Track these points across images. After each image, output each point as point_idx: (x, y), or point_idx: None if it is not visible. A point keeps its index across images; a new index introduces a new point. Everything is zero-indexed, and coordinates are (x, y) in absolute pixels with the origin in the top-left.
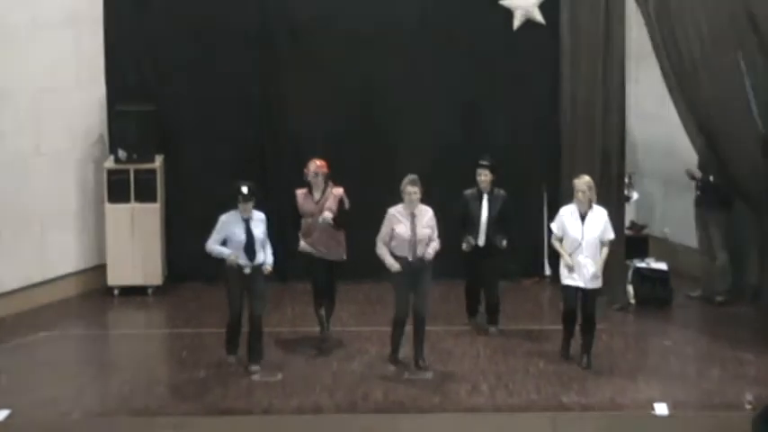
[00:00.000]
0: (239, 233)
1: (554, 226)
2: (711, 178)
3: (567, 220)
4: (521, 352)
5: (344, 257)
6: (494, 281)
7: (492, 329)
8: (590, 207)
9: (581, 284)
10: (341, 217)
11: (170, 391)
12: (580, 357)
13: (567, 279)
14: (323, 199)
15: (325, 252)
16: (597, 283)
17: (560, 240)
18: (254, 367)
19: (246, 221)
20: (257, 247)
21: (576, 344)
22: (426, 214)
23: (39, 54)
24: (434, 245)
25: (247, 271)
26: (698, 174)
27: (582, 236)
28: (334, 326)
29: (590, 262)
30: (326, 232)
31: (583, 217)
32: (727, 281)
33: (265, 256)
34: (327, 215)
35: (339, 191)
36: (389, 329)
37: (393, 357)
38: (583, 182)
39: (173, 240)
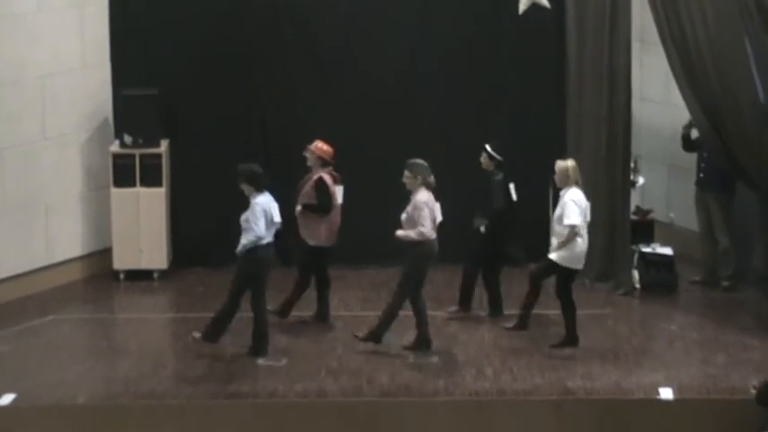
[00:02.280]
0: None
1: None
2: (705, 154)
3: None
4: (525, 336)
5: (319, 244)
6: (476, 263)
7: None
8: (566, 188)
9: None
10: (317, 204)
11: (175, 375)
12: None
13: None
14: (303, 183)
15: (305, 237)
16: (552, 255)
17: None
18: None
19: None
20: (242, 230)
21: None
22: (412, 201)
23: (44, 38)
24: (408, 231)
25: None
26: (694, 134)
27: (551, 214)
28: (337, 310)
29: (553, 239)
30: (303, 218)
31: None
32: (730, 265)
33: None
34: (297, 208)
35: (316, 176)
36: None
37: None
38: (557, 164)
39: (178, 225)
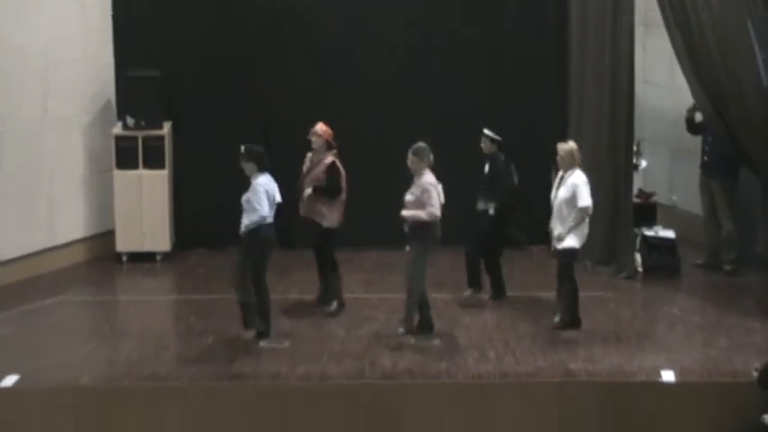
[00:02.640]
0: None
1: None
2: (709, 138)
3: (554, 185)
4: (528, 319)
5: (334, 224)
6: (480, 247)
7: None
8: (571, 171)
9: (552, 247)
10: (328, 187)
11: (178, 357)
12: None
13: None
14: (313, 165)
15: (315, 218)
16: (563, 244)
17: None
18: (248, 332)
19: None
20: (243, 210)
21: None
22: (419, 183)
23: (47, 20)
24: (417, 211)
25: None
26: (698, 117)
27: (553, 198)
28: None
29: (556, 225)
30: (314, 199)
31: (561, 181)
32: (733, 249)
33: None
34: (307, 190)
35: (329, 160)
36: (398, 297)
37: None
38: (560, 147)
39: (181, 207)
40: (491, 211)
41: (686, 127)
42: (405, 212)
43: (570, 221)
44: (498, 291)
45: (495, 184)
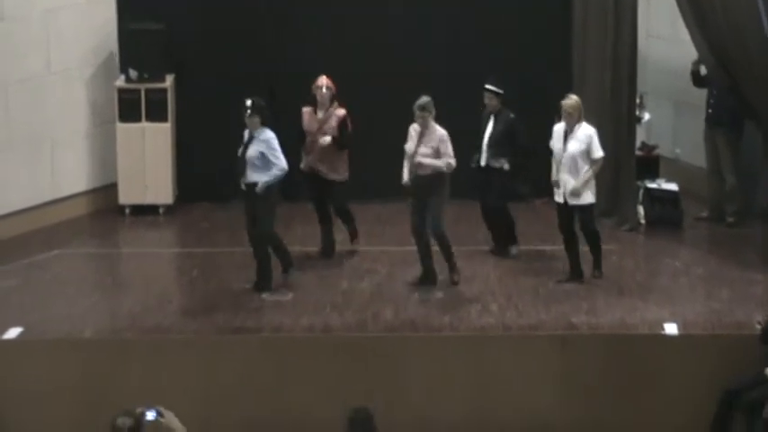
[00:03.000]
0: (240, 149)
1: (550, 143)
2: (714, 92)
3: (554, 136)
4: (531, 272)
5: (346, 178)
6: (495, 203)
7: (513, 250)
8: (578, 124)
9: (561, 200)
10: (343, 138)
11: (180, 310)
12: (592, 271)
13: (555, 195)
14: (325, 118)
15: (325, 172)
16: (581, 200)
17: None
18: (263, 294)
19: (250, 139)
20: (248, 165)
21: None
22: (433, 135)
23: None
24: (435, 160)
25: (242, 187)
26: (703, 70)
27: (562, 152)
28: (343, 245)
29: (569, 177)
30: (328, 152)
31: (567, 134)
32: (737, 202)
33: (261, 178)
34: (326, 139)
35: (341, 112)
36: (400, 249)
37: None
38: (570, 103)
39: (184, 160)
40: (506, 167)
41: (692, 80)
42: (425, 160)
43: (586, 174)
44: (501, 244)
45: (507, 140)
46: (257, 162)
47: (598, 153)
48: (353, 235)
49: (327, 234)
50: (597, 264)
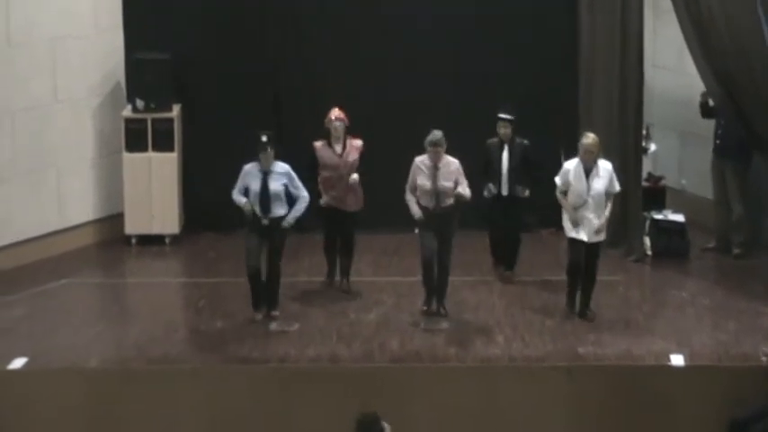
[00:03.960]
0: (255, 185)
1: (558, 180)
2: (722, 122)
3: (572, 175)
4: (537, 303)
5: (362, 206)
6: (516, 230)
7: (507, 273)
8: (595, 162)
9: (585, 238)
10: (367, 170)
11: (187, 339)
12: (582, 310)
13: (572, 232)
14: (345, 152)
15: (348, 204)
16: (601, 237)
17: (564, 194)
18: (273, 312)
19: (265, 174)
20: (273, 200)
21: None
22: (450, 167)
23: (57, 1)
24: (462, 190)
25: (265, 222)
26: (711, 101)
27: (587, 191)
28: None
29: (594, 216)
30: (350, 187)
31: (588, 171)
32: (744, 233)
33: (286, 210)
34: (356, 177)
35: (359, 142)
36: (406, 280)
37: (425, 302)
38: (590, 142)
39: (190, 190)
40: (526, 194)
41: (700, 112)
42: (461, 190)
43: (608, 211)
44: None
45: (525, 168)
46: (282, 196)
47: (618, 187)
48: (346, 271)
49: (345, 264)
50: (586, 301)
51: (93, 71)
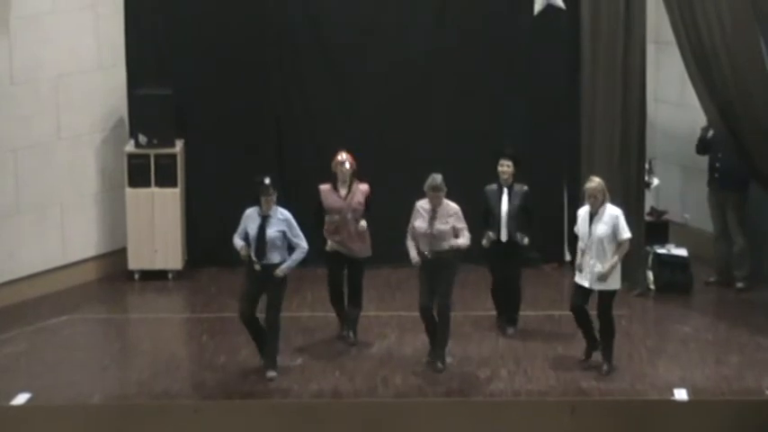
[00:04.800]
0: (252, 229)
1: (575, 229)
2: (719, 155)
3: (580, 220)
4: (540, 337)
5: (370, 254)
6: (515, 278)
7: (510, 330)
8: (601, 206)
9: (585, 284)
10: (367, 212)
11: (190, 375)
12: (607, 365)
13: (576, 277)
14: (350, 194)
15: (354, 250)
16: (606, 285)
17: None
18: (270, 373)
19: (264, 218)
20: (268, 247)
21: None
22: (448, 211)
23: (59, 38)
24: (458, 241)
25: (257, 268)
26: (710, 134)
27: (588, 236)
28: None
29: (596, 262)
30: (357, 231)
31: (593, 215)
32: (745, 266)
33: (282, 257)
34: (363, 225)
35: (365, 187)
36: (409, 315)
37: (430, 353)
38: (593, 186)
39: (193, 225)
40: (525, 242)
41: (696, 148)
42: (458, 242)
43: (613, 257)
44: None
45: (525, 214)
46: (278, 242)
47: (625, 234)
48: (352, 326)
49: (353, 316)
50: (608, 355)
51: (96, 107)
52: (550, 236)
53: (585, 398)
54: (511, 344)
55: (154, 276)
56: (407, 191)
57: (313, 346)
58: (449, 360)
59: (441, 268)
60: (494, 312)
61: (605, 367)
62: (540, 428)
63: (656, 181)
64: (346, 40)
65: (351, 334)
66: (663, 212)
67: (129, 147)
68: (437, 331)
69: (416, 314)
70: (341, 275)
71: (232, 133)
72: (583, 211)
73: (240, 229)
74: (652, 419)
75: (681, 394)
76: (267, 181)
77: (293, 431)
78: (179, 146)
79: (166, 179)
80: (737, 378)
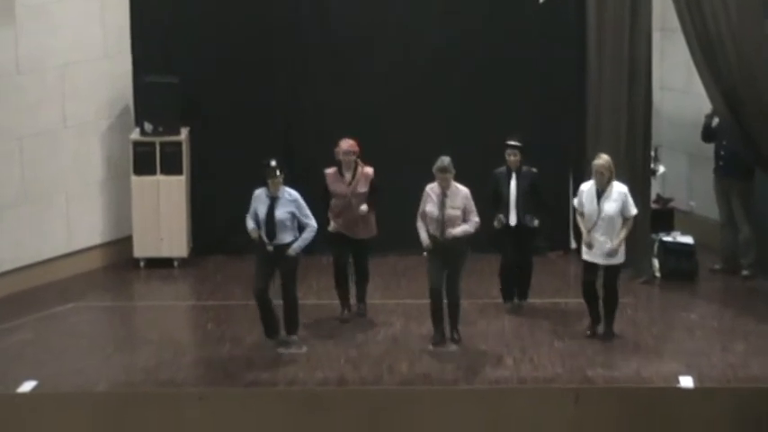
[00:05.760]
0: (262, 210)
1: (575, 202)
2: (725, 142)
3: (585, 196)
4: (546, 325)
5: (374, 234)
6: (528, 259)
7: (520, 302)
8: (609, 184)
9: (597, 260)
10: (371, 197)
11: (195, 363)
12: (607, 333)
13: (585, 254)
14: (354, 180)
15: (357, 233)
16: (614, 260)
17: (582, 215)
18: (291, 337)
19: (273, 199)
20: (278, 228)
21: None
22: (458, 195)
23: (65, 26)
24: (465, 226)
25: (270, 248)
26: (715, 121)
27: (597, 213)
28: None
29: (606, 238)
30: (360, 216)
31: (600, 193)
32: (751, 253)
33: (293, 237)
34: (364, 208)
35: (369, 171)
36: (415, 302)
37: (434, 338)
38: (601, 163)
39: (198, 213)
40: (536, 224)
41: (702, 135)
42: (456, 231)
43: (621, 233)
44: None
45: (533, 197)
46: (288, 223)
47: (633, 211)
48: (362, 297)
49: (361, 290)
50: (610, 322)
51: (102, 95)
52: (556, 224)
53: (591, 385)
54: (516, 332)
55: (159, 264)
56: (413, 180)
57: (318, 334)
58: (453, 348)
59: (452, 255)
60: (500, 300)
61: (606, 331)
62: (546, 416)
63: (661, 168)
64: (355, 25)
65: (361, 305)
66: (669, 200)
67: (135, 135)
68: (450, 314)
69: (422, 302)
70: (345, 257)
71: (237, 121)
72: (586, 187)
73: (251, 210)
74: (657, 407)
75: (686, 382)
76: (273, 163)
77: (299, 419)
78: (184, 134)
79: (172, 167)
80: (743, 366)
